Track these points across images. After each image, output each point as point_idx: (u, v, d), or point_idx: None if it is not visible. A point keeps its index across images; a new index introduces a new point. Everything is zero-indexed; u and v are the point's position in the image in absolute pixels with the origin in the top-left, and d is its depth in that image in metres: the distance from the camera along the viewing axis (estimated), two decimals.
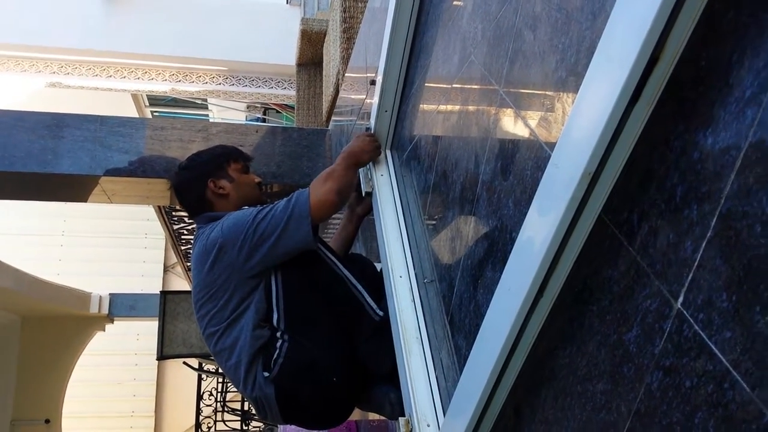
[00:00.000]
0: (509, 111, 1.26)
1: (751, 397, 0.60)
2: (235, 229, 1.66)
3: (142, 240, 11.45)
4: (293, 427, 1.89)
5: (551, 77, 1.08)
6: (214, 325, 1.72)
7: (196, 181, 1.88)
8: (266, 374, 1.66)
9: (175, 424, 11.04)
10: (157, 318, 6.57)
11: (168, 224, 6.84)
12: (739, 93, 0.66)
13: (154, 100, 10.29)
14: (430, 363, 1.51)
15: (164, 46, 7.12)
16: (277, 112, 9.53)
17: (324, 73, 4.89)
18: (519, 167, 1.17)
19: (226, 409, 8.31)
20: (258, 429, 8.25)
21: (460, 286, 1.44)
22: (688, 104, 0.74)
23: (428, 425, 1.39)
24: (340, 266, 1.79)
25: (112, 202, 4.26)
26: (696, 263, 0.69)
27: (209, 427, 8.38)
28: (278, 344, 1.67)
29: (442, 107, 1.72)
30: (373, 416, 2.67)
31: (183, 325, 6.46)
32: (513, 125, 1.24)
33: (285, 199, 1.70)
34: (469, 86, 1.53)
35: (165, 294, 6.71)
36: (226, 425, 8.40)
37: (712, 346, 0.65)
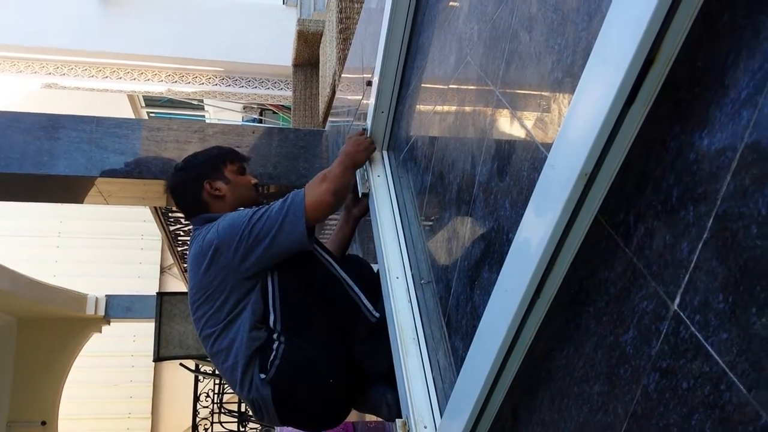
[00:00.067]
0: (505, 112, 1.26)
1: (748, 398, 0.60)
2: (230, 231, 1.66)
3: (138, 241, 11.42)
4: (290, 428, 1.89)
5: (547, 78, 1.08)
6: (210, 326, 1.72)
7: (192, 182, 1.88)
8: (263, 376, 1.66)
9: (172, 425, 11.02)
10: (154, 319, 6.56)
11: (164, 225, 6.84)
12: (734, 94, 0.66)
13: (151, 101, 10.28)
14: (427, 364, 1.51)
15: (160, 46, 7.11)
16: (274, 113, 9.54)
17: (320, 73, 4.89)
18: (515, 168, 1.17)
19: (223, 410, 8.30)
20: (255, 430, 8.24)
21: (456, 287, 1.43)
22: (684, 105, 0.74)
23: (425, 427, 1.39)
24: (337, 267, 1.79)
25: (108, 204, 4.25)
26: (692, 264, 0.69)
27: (206, 429, 8.37)
28: (275, 346, 1.66)
29: (439, 108, 1.72)
30: (371, 417, 2.67)
31: (180, 326, 6.45)
32: (509, 126, 1.24)
33: (281, 200, 1.69)
34: (465, 87, 1.53)
35: (161, 295, 6.69)
36: (223, 427, 8.39)
37: (709, 348, 0.65)
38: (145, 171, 3.76)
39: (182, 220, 6.76)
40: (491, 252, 1.24)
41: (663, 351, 0.72)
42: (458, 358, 1.38)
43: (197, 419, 8.32)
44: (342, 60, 3.71)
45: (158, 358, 6.52)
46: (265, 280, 1.69)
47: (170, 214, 6.65)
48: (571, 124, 0.86)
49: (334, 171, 1.81)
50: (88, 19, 7.04)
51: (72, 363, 7.92)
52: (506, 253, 1.02)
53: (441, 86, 1.72)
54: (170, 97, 8.16)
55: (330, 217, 1.85)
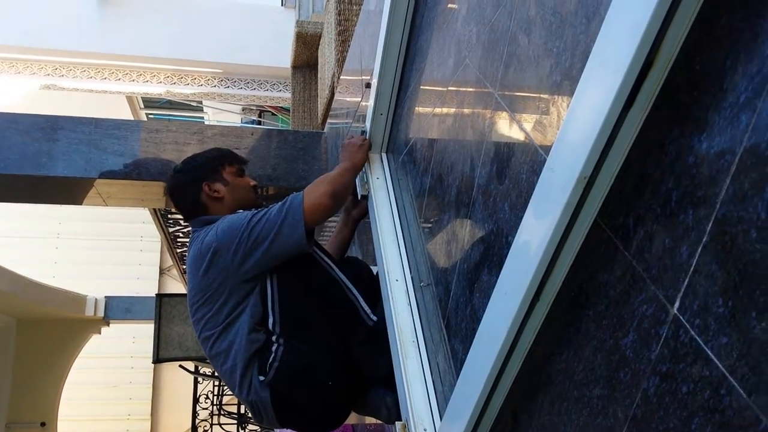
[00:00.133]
0: (504, 114, 1.26)
1: (748, 402, 0.60)
2: (229, 233, 1.65)
3: (137, 243, 11.42)
4: (289, 431, 1.88)
5: (546, 81, 1.08)
6: (209, 329, 1.72)
7: (190, 184, 1.87)
8: (262, 378, 1.66)
9: (171, 427, 11.01)
10: (153, 321, 6.55)
11: (163, 227, 6.84)
12: (733, 98, 0.66)
13: (149, 103, 10.27)
14: (427, 367, 1.51)
15: (159, 48, 7.10)
16: (273, 114, 9.53)
17: (319, 75, 4.88)
18: (514, 171, 1.17)
19: (222, 412, 8.29)
20: None
21: (456, 289, 1.43)
22: (682, 109, 0.73)
23: (425, 429, 1.38)
24: (336, 269, 1.79)
25: (107, 205, 4.25)
26: (692, 268, 0.69)
27: (205, 431, 8.36)
28: (274, 348, 1.66)
29: (438, 110, 1.72)
30: (370, 420, 2.66)
31: (179, 328, 6.44)
32: (508, 129, 1.24)
33: (279, 203, 1.69)
34: (464, 89, 1.53)
35: (161, 297, 6.68)
36: (222, 429, 8.38)
37: (709, 352, 0.65)
38: (144, 172, 3.76)
39: (181, 222, 6.76)
40: (490, 255, 1.24)
41: (663, 355, 0.72)
42: (458, 361, 1.38)
43: (196, 421, 8.31)
44: (341, 62, 3.71)
45: (157, 359, 6.51)
46: (264, 282, 1.68)
47: (169, 216, 6.65)
48: (570, 127, 0.86)
49: (332, 174, 1.81)
50: (86, 20, 7.04)
51: (71, 364, 7.91)
52: (506, 256, 1.02)
53: (440, 88, 1.72)
54: (169, 98, 8.16)
55: (329, 218, 1.85)
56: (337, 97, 3.89)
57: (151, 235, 10.07)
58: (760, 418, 0.58)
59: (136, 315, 8.12)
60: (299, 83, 5.57)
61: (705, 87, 0.70)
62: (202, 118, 10.65)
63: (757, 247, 0.60)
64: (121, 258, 11.17)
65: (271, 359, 1.66)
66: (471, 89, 1.47)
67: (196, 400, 8.35)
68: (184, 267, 7.65)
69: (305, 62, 5.52)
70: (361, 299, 1.76)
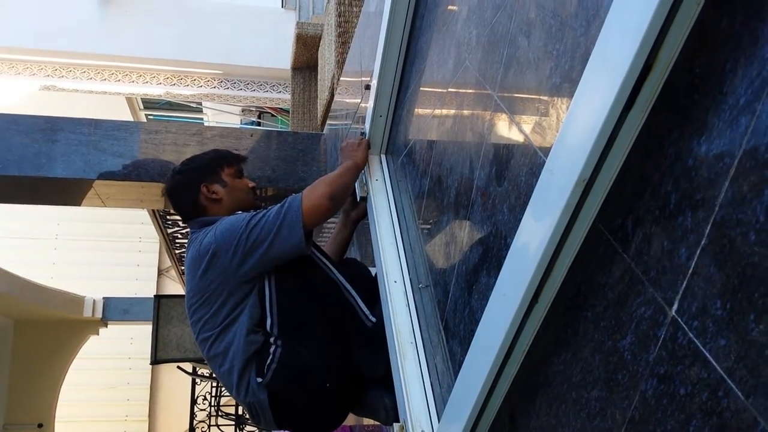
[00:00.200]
0: (504, 116, 1.26)
1: (746, 405, 0.60)
2: (228, 235, 1.65)
3: (136, 243, 11.42)
4: None
5: (546, 83, 1.08)
6: (207, 330, 1.72)
7: (189, 186, 1.87)
8: (259, 380, 1.66)
9: (169, 428, 11.00)
10: (151, 322, 6.55)
11: (162, 228, 6.84)
12: (732, 101, 0.66)
13: (149, 104, 10.28)
14: (425, 368, 1.51)
15: (159, 49, 7.11)
16: (272, 115, 9.54)
17: (319, 76, 4.89)
18: (513, 173, 1.17)
19: (220, 413, 8.29)
20: None
21: (454, 291, 1.43)
22: (682, 111, 0.74)
23: (423, 431, 1.38)
24: (334, 271, 1.78)
25: (105, 206, 4.25)
26: (690, 271, 0.69)
27: None
28: (272, 350, 1.66)
29: (437, 112, 1.72)
30: (368, 421, 2.66)
31: (177, 329, 6.44)
32: (508, 131, 1.24)
33: (278, 204, 1.69)
34: (463, 91, 1.53)
35: (159, 298, 6.68)
36: (220, 430, 8.38)
37: (707, 354, 0.65)
38: (143, 173, 3.76)
39: (180, 223, 6.76)
40: (489, 256, 1.24)
41: (661, 357, 0.72)
42: (456, 363, 1.38)
43: (194, 422, 8.30)
44: (341, 63, 3.72)
45: (155, 360, 6.50)
46: (263, 283, 1.68)
47: (168, 217, 6.65)
48: (570, 129, 0.86)
49: (332, 174, 1.81)
50: (86, 21, 7.04)
51: (69, 365, 7.90)
52: (504, 258, 1.02)
53: (439, 90, 1.72)
54: (169, 99, 8.16)
55: (329, 219, 1.85)
56: (336, 98, 3.89)
57: (150, 236, 10.08)
58: (758, 420, 0.58)
59: (134, 316, 8.11)
60: (299, 85, 5.58)
61: (704, 90, 0.71)
62: (202, 119, 10.66)
63: (755, 250, 0.61)
64: (120, 259, 11.17)
65: (269, 361, 1.66)
66: (470, 91, 1.48)
67: (193, 402, 8.34)
68: (183, 268, 7.64)
69: (305, 64, 5.52)
70: (359, 300, 1.76)
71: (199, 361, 6.76)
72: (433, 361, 1.51)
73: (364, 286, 1.86)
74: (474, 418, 1.09)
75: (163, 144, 3.84)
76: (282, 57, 6.70)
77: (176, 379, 9.53)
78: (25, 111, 3.89)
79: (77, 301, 7.63)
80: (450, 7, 1.71)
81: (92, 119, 3.83)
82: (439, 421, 1.35)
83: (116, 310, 8.06)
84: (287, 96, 7.02)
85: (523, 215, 0.96)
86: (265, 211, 1.69)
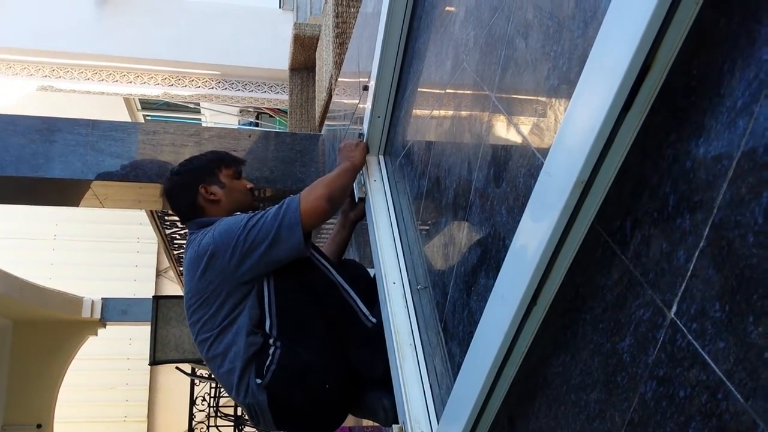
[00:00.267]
0: (502, 118, 1.26)
1: (745, 407, 0.60)
2: (226, 236, 1.65)
3: (134, 244, 11.41)
4: None
5: (543, 85, 1.08)
6: (206, 331, 1.72)
7: (187, 187, 1.87)
8: (259, 381, 1.66)
9: (168, 429, 10.99)
10: (150, 323, 6.54)
11: (160, 229, 6.83)
12: (730, 103, 0.66)
13: (147, 104, 10.27)
14: (424, 370, 1.51)
15: (157, 49, 7.10)
16: (270, 116, 9.53)
17: (317, 77, 4.89)
18: (512, 174, 1.17)
19: (219, 414, 8.29)
20: None
21: (453, 292, 1.43)
22: (680, 113, 0.74)
23: None
24: (333, 272, 1.78)
25: (103, 207, 4.24)
26: (689, 273, 0.69)
27: None
28: (271, 351, 1.66)
29: (435, 113, 1.72)
30: (367, 422, 2.66)
31: (175, 330, 6.44)
32: (506, 132, 1.24)
33: (276, 206, 1.69)
34: (461, 92, 1.53)
35: (157, 299, 6.68)
36: (219, 430, 8.38)
37: (706, 356, 0.65)
38: (141, 174, 3.76)
39: (178, 224, 6.75)
40: (488, 258, 1.24)
41: (660, 359, 0.72)
42: (455, 364, 1.38)
43: (193, 423, 8.31)
44: (338, 64, 3.71)
45: (154, 361, 6.50)
46: (261, 284, 1.68)
47: (166, 218, 6.64)
48: (568, 131, 0.86)
49: (330, 175, 1.80)
50: (84, 21, 7.03)
51: (68, 366, 7.90)
52: (503, 260, 1.02)
53: (437, 91, 1.72)
54: (166, 100, 8.15)
55: (327, 221, 1.85)
56: (334, 99, 3.89)
57: (148, 236, 10.08)
58: (757, 422, 0.58)
59: (132, 317, 8.11)
60: (297, 85, 5.58)
61: (702, 91, 0.70)
62: (200, 119, 10.65)
63: (754, 252, 0.61)
64: (118, 260, 11.17)
65: (268, 362, 1.65)
66: (468, 92, 1.48)
67: (192, 402, 8.35)
68: (181, 269, 7.64)
69: (303, 64, 5.52)
70: (359, 301, 1.76)
71: (197, 361, 6.76)
72: (432, 362, 1.51)
73: (363, 286, 1.86)
74: (473, 420, 1.09)
75: (161, 145, 3.84)
76: (280, 58, 6.70)
77: (175, 380, 9.54)
78: (23, 111, 3.89)
79: (76, 301, 7.62)
80: (448, 8, 1.71)
81: (90, 120, 3.83)
82: (438, 423, 1.35)
83: (115, 310, 8.05)
84: (285, 97, 7.02)
85: (521, 217, 0.96)
86: (263, 212, 1.69)
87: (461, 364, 1.14)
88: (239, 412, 7.79)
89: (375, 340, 1.69)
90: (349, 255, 2.48)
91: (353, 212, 2.13)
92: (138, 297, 8.60)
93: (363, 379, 1.77)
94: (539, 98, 1.10)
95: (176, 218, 5.95)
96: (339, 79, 3.71)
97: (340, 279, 1.78)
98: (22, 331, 6.95)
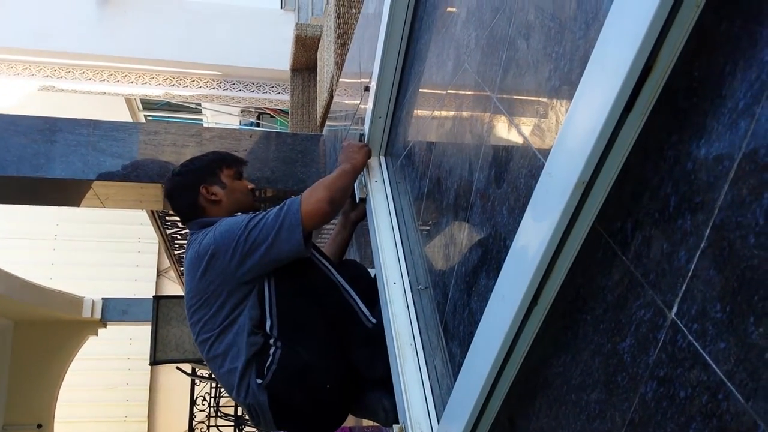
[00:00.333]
0: (503, 119, 1.26)
1: (746, 408, 0.60)
2: (227, 236, 1.65)
3: (135, 244, 11.41)
4: None
5: (545, 86, 1.08)
6: (207, 331, 1.72)
7: (188, 187, 1.87)
8: (259, 381, 1.66)
9: (168, 429, 10.99)
10: (150, 323, 6.55)
11: (161, 229, 6.84)
12: (732, 104, 0.66)
13: (148, 105, 10.28)
14: (424, 370, 1.51)
15: (158, 49, 7.11)
16: (271, 116, 9.54)
17: (318, 78, 4.89)
18: (513, 175, 1.17)
19: (219, 414, 8.29)
20: None
21: (454, 293, 1.43)
22: (681, 114, 0.74)
23: None
24: (334, 272, 1.78)
25: (104, 207, 4.24)
26: (690, 273, 0.69)
27: None
28: (271, 351, 1.66)
29: (436, 114, 1.72)
30: (367, 422, 2.66)
31: (176, 330, 6.44)
32: (507, 133, 1.24)
33: (277, 207, 1.69)
34: (462, 93, 1.53)
35: (158, 299, 6.68)
36: (219, 430, 8.38)
37: (707, 357, 0.65)
38: (142, 174, 3.76)
39: (179, 224, 6.76)
40: (488, 259, 1.24)
41: (660, 359, 0.72)
42: (455, 364, 1.38)
43: (193, 423, 8.31)
44: (340, 65, 3.72)
45: (155, 361, 6.50)
46: (262, 285, 1.68)
47: (167, 218, 6.65)
48: (569, 132, 0.86)
49: (331, 177, 1.80)
50: (86, 22, 7.04)
51: (68, 366, 7.90)
52: (503, 260, 1.02)
53: (439, 92, 1.72)
54: (168, 100, 8.16)
55: (328, 223, 1.85)
56: (335, 99, 3.89)
57: (149, 236, 10.07)
58: (758, 423, 0.58)
59: (133, 317, 8.10)
60: (298, 86, 5.58)
61: (704, 93, 0.71)
62: (201, 120, 10.65)
63: (755, 253, 0.61)
64: (119, 260, 11.17)
65: (268, 362, 1.66)
66: (470, 93, 1.48)
67: (193, 402, 8.35)
68: (182, 269, 7.65)
69: (304, 65, 5.52)
70: (359, 301, 1.76)
71: (198, 361, 6.77)
72: (432, 362, 1.51)
73: (364, 287, 1.86)
74: (473, 420, 1.09)
75: (162, 145, 3.84)
76: (281, 58, 6.70)
77: (175, 380, 9.53)
78: (24, 111, 3.89)
79: (76, 301, 7.62)
80: (449, 9, 1.71)
81: (91, 120, 3.83)
82: (438, 423, 1.35)
83: (115, 310, 8.05)
84: (286, 97, 7.02)
85: (522, 217, 0.96)
86: (264, 213, 1.69)
87: (462, 365, 1.14)
88: (240, 412, 7.80)
89: (375, 340, 1.69)
90: (350, 255, 2.48)
91: (354, 213, 2.13)
92: (138, 297, 8.59)
93: (363, 380, 1.78)
94: (540, 99, 1.10)
95: (177, 218, 5.95)
96: (340, 80, 3.71)
97: (340, 279, 1.78)
98: (22, 331, 6.95)
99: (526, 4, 1.19)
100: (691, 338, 0.68)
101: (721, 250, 0.65)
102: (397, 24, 1.97)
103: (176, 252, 7.79)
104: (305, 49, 5.27)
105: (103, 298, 8.00)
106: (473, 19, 1.49)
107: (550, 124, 1.05)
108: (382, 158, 2.15)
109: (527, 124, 1.15)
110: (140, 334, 9.63)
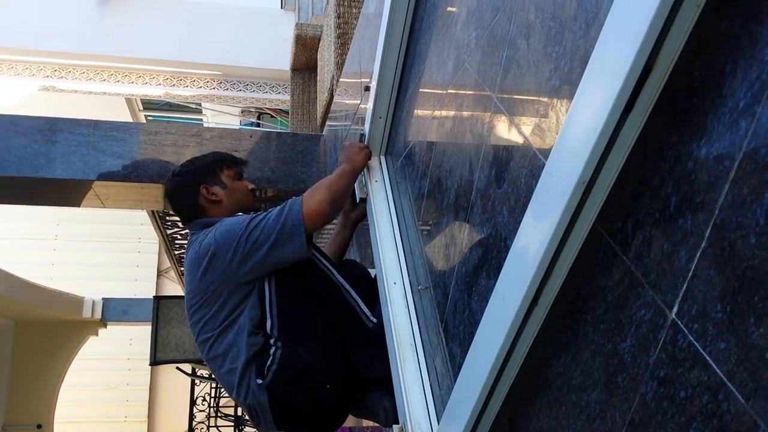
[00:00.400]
0: (503, 119, 1.26)
1: (746, 408, 0.60)
2: (228, 236, 1.65)
3: (135, 244, 11.41)
4: None
5: (545, 85, 1.08)
6: (207, 331, 1.72)
7: (188, 187, 1.87)
8: (260, 381, 1.66)
9: (168, 429, 10.99)
10: (151, 323, 6.55)
11: (161, 229, 6.84)
12: (732, 104, 0.66)
13: (148, 105, 10.28)
14: (425, 370, 1.51)
15: (159, 50, 7.11)
16: (272, 116, 9.54)
17: (318, 78, 4.89)
18: (513, 175, 1.17)
19: (219, 414, 8.30)
20: None
21: (454, 293, 1.43)
22: (681, 114, 0.74)
23: None
24: (335, 272, 1.78)
25: (105, 207, 4.24)
26: (690, 273, 0.69)
27: None
28: (272, 351, 1.66)
29: (437, 114, 1.72)
30: (367, 422, 2.66)
31: (176, 330, 6.44)
32: (507, 133, 1.24)
33: (278, 207, 1.69)
34: (463, 93, 1.53)
35: (158, 299, 6.68)
36: (219, 431, 8.38)
37: (707, 357, 0.65)
38: (142, 174, 3.76)
39: (179, 224, 6.76)
40: (489, 259, 1.24)
41: (661, 360, 0.72)
42: (455, 365, 1.38)
43: (193, 423, 8.31)
44: (340, 64, 3.71)
45: (155, 361, 6.50)
46: (262, 285, 1.68)
47: (167, 218, 6.65)
48: (569, 132, 0.86)
49: (331, 178, 1.80)
50: (86, 22, 7.04)
51: (68, 366, 7.90)
52: (504, 260, 1.02)
53: (439, 92, 1.72)
54: (168, 100, 8.16)
55: (329, 223, 1.85)
56: (336, 99, 3.89)
57: (149, 236, 10.07)
58: (758, 423, 0.58)
59: (133, 317, 8.10)
60: (298, 86, 5.58)
61: (704, 93, 0.71)
62: (201, 120, 10.65)
63: (755, 253, 0.61)
64: (119, 260, 11.17)
65: (269, 362, 1.65)
66: (470, 93, 1.48)
67: (193, 402, 8.35)
68: (182, 269, 7.65)
69: (304, 65, 5.52)
70: (360, 302, 1.76)
71: (198, 362, 6.76)
72: (432, 362, 1.51)
73: (364, 287, 1.86)
74: (473, 421, 1.09)
75: (162, 145, 3.84)
76: (281, 58, 6.70)
77: (175, 380, 9.54)
78: (25, 112, 3.89)
79: (76, 301, 7.62)
80: (449, 9, 1.71)
81: (91, 120, 3.83)
82: (438, 423, 1.35)
83: (115, 310, 8.05)
84: (286, 97, 7.02)
85: (522, 217, 0.96)
86: (265, 213, 1.69)
87: (462, 365, 1.14)
88: (239, 413, 7.79)
89: (376, 340, 1.69)
90: (350, 255, 2.48)
91: (354, 213, 2.13)
92: (139, 297, 8.59)
93: (363, 380, 1.78)
94: (541, 99, 1.10)
95: (177, 218, 5.95)
96: (340, 80, 3.71)
97: (341, 279, 1.78)
98: (23, 331, 6.95)
99: (527, 4, 1.19)
100: (691, 338, 0.68)
101: (721, 250, 0.65)
102: (397, 24, 1.97)
103: (176, 252, 7.79)
104: (305, 49, 5.27)
105: (103, 299, 8.00)
106: (473, 18, 1.49)
107: (551, 123, 1.05)
108: (383, 158, 2.15)
109: (528, 124, 1.15)
110: (140, 335, 9.63)
